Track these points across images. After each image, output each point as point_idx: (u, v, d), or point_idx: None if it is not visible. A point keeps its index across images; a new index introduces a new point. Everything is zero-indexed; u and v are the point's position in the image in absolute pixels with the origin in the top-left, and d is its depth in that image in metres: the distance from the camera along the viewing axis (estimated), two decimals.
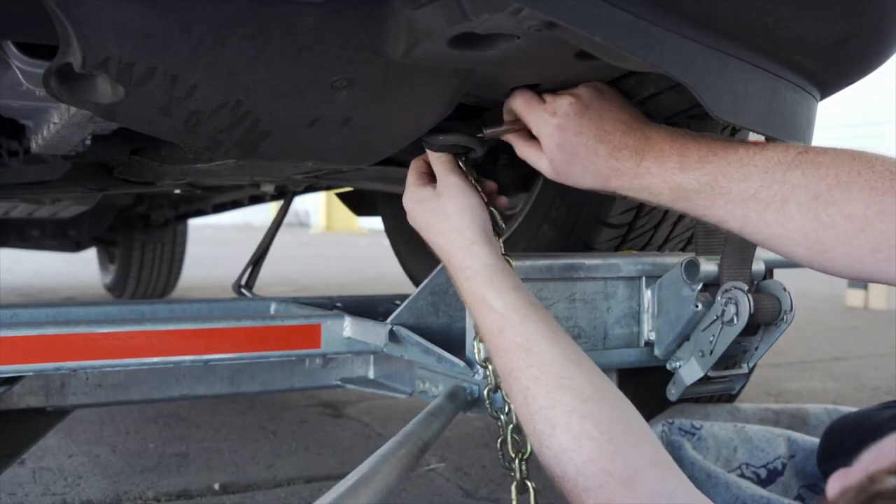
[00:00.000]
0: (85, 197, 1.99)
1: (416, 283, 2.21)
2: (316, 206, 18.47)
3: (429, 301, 1.25)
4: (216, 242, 10.57)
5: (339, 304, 1.54)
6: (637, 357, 1.30)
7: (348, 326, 1.27)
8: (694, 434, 1.28)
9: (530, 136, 1.03)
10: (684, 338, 1.24)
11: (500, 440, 1.08)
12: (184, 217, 4.02)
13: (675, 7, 0.81)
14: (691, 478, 0.87)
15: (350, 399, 2.41)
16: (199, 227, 11.94)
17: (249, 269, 2.00)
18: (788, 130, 0.99)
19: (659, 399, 1.31)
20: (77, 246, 4.41)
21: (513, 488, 1.04)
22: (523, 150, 1.05)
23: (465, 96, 1.05)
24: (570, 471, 0.83)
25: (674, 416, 1.38)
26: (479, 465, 1.84)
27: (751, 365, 1.25)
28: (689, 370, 1.22)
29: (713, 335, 1.18)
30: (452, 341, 1.20)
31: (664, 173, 0.92)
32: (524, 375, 0.90)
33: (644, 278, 1.30)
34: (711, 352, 1.18)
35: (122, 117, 0.89)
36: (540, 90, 1.03)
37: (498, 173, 1.36)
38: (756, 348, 1.23)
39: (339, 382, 1.44)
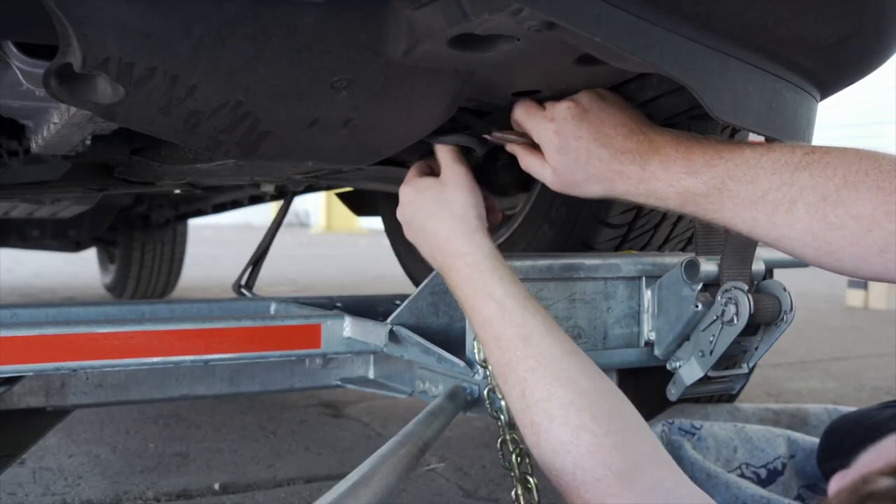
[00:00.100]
0: (85, 197, 1.99)
1: (416, 283, 2.21)
2: (316, 206, 18.47)
3: (429, 301, 1.25)
4: (216, 242, 10.57)
5: (339, 304, 1.54)
6: (637, 357, 1.30)
7: (348, 326, 1.27)
8: (694, 434, 1.28)
9: (535, 148, 1.03)
10: (684, 338, 1.24)
11: (500, 440, 1.08)
12: (184, 217, 4.02)
13: (675, 7, 0.81)
14: (691, 478, 0.87)
15: (350, 399, 2.41)
16: (199, 227, 11.94)
17: (249, 269, 1.99)
18: (789, 131, 0.99)
19: (659, 399, 1.31)
20: (77, 246, 4.41)
21: (516, 484, 1.04)
22: (526, 160, 1.05)
23: (465, 100, 1.05)
24: (567, 464, 0.83)
25: (674, 416, 1.38)
26: (479, 465, 1.84)
27: (751, 365, 1.25)
28: (689, 370, 1.22)
29: (713, 335, 1.18)
30: (452, 341, 1.20)
31: (671, 178, 0.92)
32: (521, 367, 0.90)
33: (644, 278, 1.30)
34: (711, 352, 1.18)
35: (122, 117, 0.89)
36: (542, 98, 1.03)
37: (498, 173, 1.36)
38: (756, 348, 1.23)
39: (339, 382, 1.44)
